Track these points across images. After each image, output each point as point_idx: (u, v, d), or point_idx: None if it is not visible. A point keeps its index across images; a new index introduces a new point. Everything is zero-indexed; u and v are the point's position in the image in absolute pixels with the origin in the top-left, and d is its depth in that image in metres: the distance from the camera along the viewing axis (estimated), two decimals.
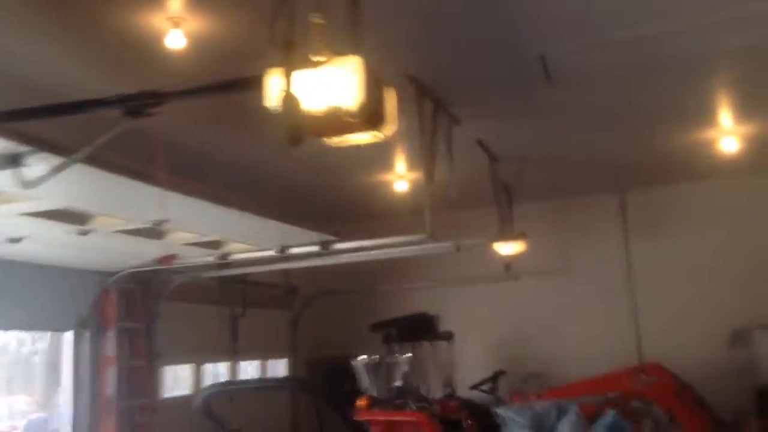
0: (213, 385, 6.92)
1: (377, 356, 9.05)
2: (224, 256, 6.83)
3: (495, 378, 9.45)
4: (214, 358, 9.24)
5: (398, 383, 9.47)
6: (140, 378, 7.73)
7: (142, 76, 4.24)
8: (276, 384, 7.68)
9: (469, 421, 8.45)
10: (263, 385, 8.21)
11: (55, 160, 3.65)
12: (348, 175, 9.04)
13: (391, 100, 3.23)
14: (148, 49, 4.97)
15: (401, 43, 5.47)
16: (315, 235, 6.84)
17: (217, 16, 4.81)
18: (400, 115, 6.51)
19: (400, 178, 9.01)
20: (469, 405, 8.96)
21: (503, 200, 9.01)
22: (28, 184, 3.73)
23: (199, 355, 8.96)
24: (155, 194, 4.51)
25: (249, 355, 9.86)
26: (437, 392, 10.32)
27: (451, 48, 5.76)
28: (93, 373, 7.33)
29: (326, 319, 11.77)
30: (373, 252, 7.01)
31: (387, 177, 9.16)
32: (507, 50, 5.86)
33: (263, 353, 10.42)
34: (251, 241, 7.01)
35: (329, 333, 11.66)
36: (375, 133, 3.15)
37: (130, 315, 7.73)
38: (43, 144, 3.57)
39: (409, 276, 10.67)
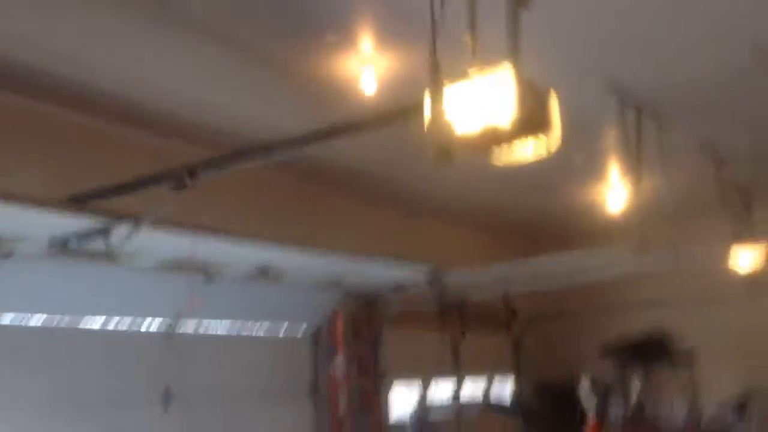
0: (418, 410, 7.11)
1: (602, 379, 8.67)
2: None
3: (744, 401, 8.45)
4: (438, 379, 9.45)
5: (633, 403, 8.95)
6: (369, 397, 8.22)
7: (338, 115, 4.64)
8: (477, 408, 7.77)
9: None
10: (465, 410, 8.38)
11: (126, 230, 4.58)
12: (554, 193, 8.87)
13: (554, 108, 3.17)
14: (341, 91, 5.46)
15: (597, 47, 5.31)
16: (423, 268, 7.30)
17: (402, 56, 5.12)
18: (605, 126, 6.36)
19: (611, 192, 8.56)
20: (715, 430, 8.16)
21: (737, 206, 8.13)
22: (111, 248, 4.76)
23: (423, 376, 9.25)
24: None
25: (472, 377, 9.93)
26: (680, 417, 9.54)
27: (654, 48, 5.45)
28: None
29: (550, 341, 11.45)
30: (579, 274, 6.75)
31: (597, 193, 8.78)
32: (718, 45, 5.38)
33: (486, 375, 10.42)
34: (368, 277, 7.45)
35: (555, 354, 11.33)
36: (537, 146, 3.10)
37: (357, 338, 8.29)
38: (119, 218, 4.54)
39: (636, 293, 10.01)
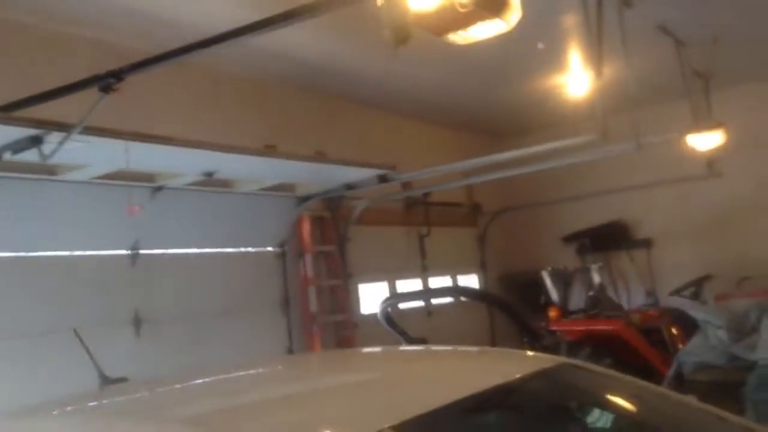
0: (389, 297, 7.28)
1: (563, 267, 8.90)
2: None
3: (699, 283, 8.78)
4: (405, 276, 9.63)
5: (591, 293, 9.24)
6: (338, 296, 8.35)
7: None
8: (446, 293, 8.02)
9: (674, 330, 8.03)
10: (433, 295, 8.64)
11: (60, 136, 4.33)
12: (516, 84, 8.76)
13: None
14: None
15: None
16: (372, 171, 7.07)
17: None
18: (565, 7, 6.20)
19: (572, 80, 8.46)
20: (672, 313, 8.49)
21: (696, 89, 8.15)
22: (46, 158, 4.51)
23: (390, 273, 9.40)
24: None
25: (438, 272, 10.14)
26: (639, 302, 9.91)
27: None
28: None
29: (515, 234, 11.69)
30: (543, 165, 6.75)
31: (559, 82, 8.68)
32: None
33: (452, 270, 10.65)
34: (318, 182, 7.31)
35: (520, 248, 11.59)
36: (497, 22, 2.99)
37: (324, 239, 8.31)
38: (51, 125, 4.30)
39: (597, 182, 10.15)
